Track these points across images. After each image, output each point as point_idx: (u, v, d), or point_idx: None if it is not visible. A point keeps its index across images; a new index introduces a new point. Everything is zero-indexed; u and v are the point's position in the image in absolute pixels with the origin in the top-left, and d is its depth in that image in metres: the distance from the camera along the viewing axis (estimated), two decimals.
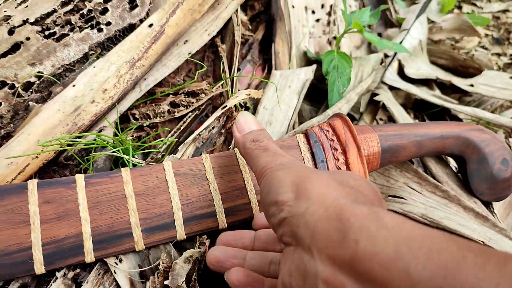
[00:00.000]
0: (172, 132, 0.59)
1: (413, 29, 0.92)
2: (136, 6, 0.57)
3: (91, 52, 0.56)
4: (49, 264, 0.42)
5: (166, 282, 0.46)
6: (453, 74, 1.04)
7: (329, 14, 0.90)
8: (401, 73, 0.84)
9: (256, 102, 0.68)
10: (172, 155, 0.56)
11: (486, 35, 1.23)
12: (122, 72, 0.53)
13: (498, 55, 1.18)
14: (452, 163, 0.71)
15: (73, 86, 0.52)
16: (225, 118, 0.62)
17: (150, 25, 0.55)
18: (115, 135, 0.56)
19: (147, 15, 0.58)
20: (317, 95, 0.74)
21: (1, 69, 0.53)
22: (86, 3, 0.56)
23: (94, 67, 0.54)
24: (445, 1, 0.98)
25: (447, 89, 0.97)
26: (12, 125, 0.52)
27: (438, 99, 0.78)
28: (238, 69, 0.73)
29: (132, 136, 0.58)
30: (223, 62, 0.65)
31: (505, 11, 1.29)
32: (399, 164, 0.64)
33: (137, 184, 0.47)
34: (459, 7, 1.29)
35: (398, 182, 0.62)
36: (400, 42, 0.87)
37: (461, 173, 0.64)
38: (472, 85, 0.87)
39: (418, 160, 0.70)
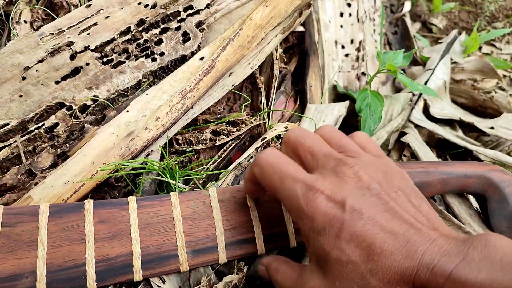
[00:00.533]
0: (213, 159, 0.62)
1: (438, 70, 0.95)
2: (189, 39, 0.61)
3: (144, 80, 0.59)
4: (101, 280, 0.45)
5: None
6: (472, 114, 1.08)
7: (358, 49, 0.93)
8: (425, 112, 0.87)
9: None
10: (214, 181, 0.59)
11: (504, 76, 1.27)
12: (175, 102, 0.56)
13: None
14: (474, 204, 0.73)
15: (127, 111, 0.56)
16: (262, 149, 0.65)
17: (201, 58, 0.59)
18: (161, 159, 0.59)
19: (199, 48, 0.61)
20: (347, 130, 0.77)
21: (60, 91, 0.56)
22: (143, 33, 0.59)
23: (147, 94, 0.57)
24: (469, 43, 1.02)
25: (465, 127, 1.00)
26: (67, 145, 0.55)
27: (462, 140, 0.81)
28: (274, 100, 0.77)
29: (176, 161, 0.61)
30: (261, 97, 0.69)
31: None
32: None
33: (184, 208, 0.50)
34: (479, 48, 1.33)
35: None
36: (426, 82, 0.90)
37: (482, 211, 0.67)
38: (492, 128, 0.90)
39: (440, 199, 0.73)
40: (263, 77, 0.74)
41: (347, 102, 0.75)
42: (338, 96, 0.84)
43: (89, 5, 0.59)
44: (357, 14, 0.98)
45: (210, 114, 0.68)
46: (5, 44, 0.64)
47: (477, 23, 1.36)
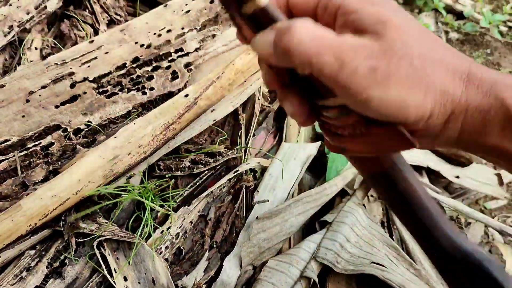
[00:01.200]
0: (189, 185, 0.69)
1: None
2: (177, 77, 0.69)
3: (134, 110, 0.67)
4: None
5: None
6: (447, 161, 1.14)
7: None
8: None
9: (264, 168, 0.78)
10: (186, 206, 0.66)
11: None
12: (157, 132, 0.63)
13: None
14: None
15: (115, 137, 0.63)
16: (235, 180, 0.72)
17: (186, 95, 0.66)
18: (141, 182, 0.66)
19: (185, 86, 0.69)
20: (318, 167, 0.84)
21: (59, 115, 0.64)
22: (136, 69, 0.67)
23: (134, 123, 0.64)
24: None
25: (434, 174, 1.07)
26: (59, 162, 0.63)
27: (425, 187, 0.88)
28: (254, 135, 0.84)
29: (156, 184, 0.69)
30: (240, 132, 0.76)
31: None
32: (382, 237, 0.73)
33: None
34: None
35: (381, 252, 0.71)
36: None
37: None
38: (458, 177, 0.97)
39: (398, 238, 0.80)
40: (245, 114, 0.82)
41: (319, 143, 0.82)
42: (316, 135, 0.91)
43: (92, 41, 0.67)
44: None
45: (192, 144, 0.75)
46: (15, 67, 0.72)
47: None
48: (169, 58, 0.69)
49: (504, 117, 0.28)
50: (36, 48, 0.77)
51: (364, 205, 0.82)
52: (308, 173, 0.84)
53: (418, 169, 0.97)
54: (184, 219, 0.65)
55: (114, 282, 0.57)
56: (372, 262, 0.68)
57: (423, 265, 0.74)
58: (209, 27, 0.72)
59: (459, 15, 1.68)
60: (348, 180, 0.79)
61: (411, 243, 0.75)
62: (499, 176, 1.06)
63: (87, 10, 0.83)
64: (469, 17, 1.64)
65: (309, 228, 0.77)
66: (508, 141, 0.29)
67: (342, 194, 0.81)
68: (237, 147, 0.75)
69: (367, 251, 0.70)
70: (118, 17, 0.83)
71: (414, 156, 0.97)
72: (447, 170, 0.98)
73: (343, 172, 0.79)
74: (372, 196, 0.85)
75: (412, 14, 1.46)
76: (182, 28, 0.70)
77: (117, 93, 0.66)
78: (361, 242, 0.71)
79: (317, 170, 0.85)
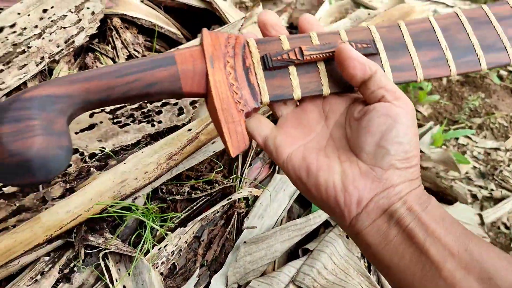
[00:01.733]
0: (187, 208, 0.78)
1: None
2: (183, 113, 0.78)
3: (143, 140, 0.77)
4: None
5: None
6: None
7: None
8: None
9: (256, 197, 0.87)
10: (182, 227, 0.75)
11: (475, 167, 1.41)
12: (161, 161, 0.73)
13: (480, 187, 1.35)
14: None
15: (124, 163, 0.72)
16: (228, 206, 0.81)
17: (189, 130, 0.76)
18: (145, 203, 0.75)
19: (190, 120, 0.78)
20: (306, 199, 0.92)
21: (77, 140, 0.74)
22: (148, 104, 0.77)
23: (142, 151, 0.74)
24: (436, 137, 1.17)
25: None
26: (75, 182, 0.72)
27: None
28: (250, 164, 0.93)
29: (157, 205, 0.78)
30: (237, 163, 0.85)
31: (496, 149, 1.47)
32: (357, 267, 0.81)
33: None
34: (456, 138, 1.47)
35: (354, 280, 0.78)
36: None
37: None
38: None
39: (375, 270, 0.87)
40: None
41: None
42: None
43: None
44: None
45: (193, 171, 0.84)
46: None
47: (458, 117, 1.52)
48: None
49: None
50: None
51: (348, 237, 0.89)
52: (298, 203, 0.92)
53: None
54: (180, 238, 0.74)
55: None
56: None
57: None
58: None
59: None
60: None
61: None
62: (480, 216, 1.13)
63: (110, 45, 0.94)
64: None
65: (293, 254, 0.85)
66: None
67: (326, 225, 0.89)
68: (233, 176, 0.84)
69: (341, 278, 0.77)
70: (136, 53, 0.93)
71: None
72: None
73: None
74: None
75: None
76: None
77: (129, 124, 0.76)
78: (337, 270, 0.79)
79: (306, 201, 0.93)
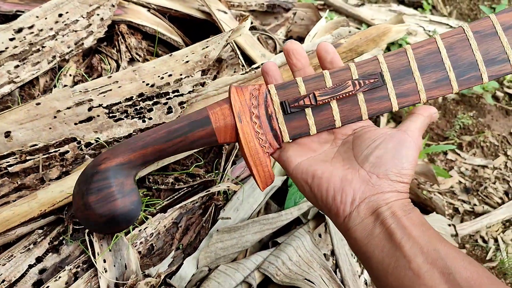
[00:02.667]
0: (169, 197, 0.87)
1: None
2: (171, 111, 0.88)
3: (134, 133, 0.86)
4: None
5: None
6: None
7: None
8: None
9: (235, 192, 0.95)
10: (162, 213, 0.84)
11: (460, 182, 1.46)
12: None
13: (463, 201, 1.41)
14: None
15: None
16: (207, 198, 0.89)
17: None
18: None
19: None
20: (283, 198, 1.00)
21: (76, 130, 0.84)
22: (140, 102, 0.87)
23: None
24: None
25: None
26: (71, 166, 0.82)
27: None
28: (235, 163, 1.01)
29: (143, 193, 0.87)
30: (220, 160, 0.94)
31: (484, 166, 1.52)
32: (320, 260, 0.88)
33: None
34: (445, 154, 1.53)
35: (316, 272, 0.86)
36: None
37: None
38: None
39: (335, 264, 0.94)
40: (229, 146, 0.99)
41: (285, 177, 0.98)
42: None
43: (110, 77, 0.87)
44: None
45: (179, 164, 0.93)
46: (52, 89, 0.93)
47: (449, 133, 1.58)
48: (167, 96, 0.88)
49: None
50: (70, 75, 0.98)
51: (320, 234, 0.97)
52: (275, 202, 1.01)
53: None
54: (159, 223, 0.83)
55: (95, 261, 0.75)
56: (305, 279, 0.83)
57: None
58: (203, 75, 0.91)
59: None
60: (303, 211, 0.94)
61: (344, 269, 0.90)
62: (454, 226, 1.18)
63: (115, 48, 1.04)
64: None
65: (266, 246, 0.93)
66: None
67: (298, 223, 0.97)
68: (213, 173, 0.93)
69: (304, 270, 0.85)
70: (138, 57, 1.04)
71: None
72: None
73: (300, 203, 0.95)
74: (327, 229, 1.00)
75: None
76: (181, 74, 0.89)
77: (123, 119, 0.86)
78: (301, 262, 0.87)
79: (283, 200, 1.01)
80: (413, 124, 0.50)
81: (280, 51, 1.24)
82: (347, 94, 0.51)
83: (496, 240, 1.31)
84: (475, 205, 1.39)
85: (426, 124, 0.52)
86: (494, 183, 1.47)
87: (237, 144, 1.00)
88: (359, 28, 1.67)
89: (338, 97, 0.51)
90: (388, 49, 1.70)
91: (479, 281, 0.40)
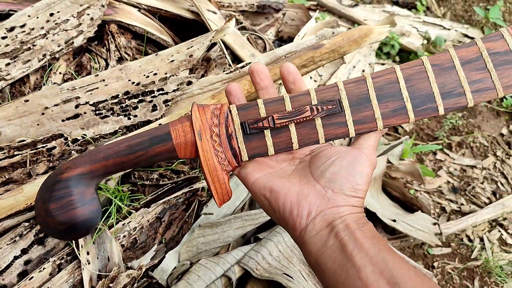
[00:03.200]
0: (153, 193, 0.90)
1: None
2: (156, 109, 0.90)
3: (119, 130, 0.89)
4: None
5: (110, 285, 0.75)
6: (402, 207, 1.30)
7: None
8: None
9: None
10: (146, 208, 0.86)
11: (448, 182, 1.48)
12: None
13: (451, 200, 1.42)
14: None
15: None
16: (191, 194, 0.92)
17: (159, 124, 0.87)
18: (117, 185, 0.87)
19: (161, 117, 0.90)
20: None
21: (63, 127, 0.86)
22: (126, 100, 0.89)
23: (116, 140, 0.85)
24: (404, 150, 1.26)
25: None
26: (57, 162, 0.85)
27: None
28: None
29: (128, 188, 0.89)
30: None
31: (473, 167, 1.54)
32: (300, 255, 0.90)
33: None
34: (434, 154, 1.55)
35: (295, 267, 0.88)
36: None
37: None
38: (394, 220, 1.13)
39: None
40: None
41: None
42: None
43: (97, 75, 0.90)
44: None
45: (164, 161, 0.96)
46: (41, 87, 0.96)
47: (438, 133, 1.60)
48: (152, 95, 0.90)
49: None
50: (60, 73, 1.01)
51: None
52: None
53: None
54: (143, 217, 0.85)
55: (79, 254, 0.78)
56: (284, 274, 0.85)
57: None
58: (187, 74, 0.93)
59: None
60: None
61: None
62: (438, 225, 1.20)
63: (105, 48, 1.07)
64: None
65: (247, 241, 0.95)
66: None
67: None
68: (199, 168, 0.95)
69: (283, 265, 0.87)
70: (126, 55, 1.06)
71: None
72: (382, 215, 1.14)
73: None
74: None
75: None
76: (166, 73, 0.91)
77: (109, 116, 0.88)
78: (281, 257, 0.89)
79: None
80: (367, 141, 0.53)
81: (270, 49, 1.26)
82: (305, 119, 0.53)
83: (481, 239, 1.33)
84: (462, 204, 1.41)
85: (379, 140, 0.55)
86: (482, 183, 1.49)
87: None
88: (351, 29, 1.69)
89: (296, 121, 0.53)
90: (380, 49, 1.72)
91: None
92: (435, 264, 1.23)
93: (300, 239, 0.49)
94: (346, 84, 0.54)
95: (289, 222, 0.49)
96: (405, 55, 1.78)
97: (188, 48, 0.94)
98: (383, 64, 1.68)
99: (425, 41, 1.74)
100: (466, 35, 1.98)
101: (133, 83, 0.90)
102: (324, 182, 0.49)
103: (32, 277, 0.75)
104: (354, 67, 1.53)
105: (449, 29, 1.95)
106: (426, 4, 2.10)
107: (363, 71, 1.55)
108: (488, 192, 1.47)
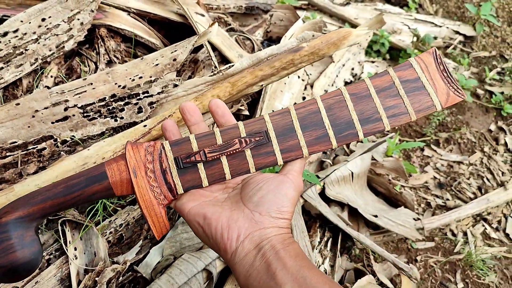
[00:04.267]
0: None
1: (351, 163, 1.23)
2: (142, 111, 0.94)
3: (106, 132, 0.93)
4: None
5: (96, 279, 0.80)
6: (387, 203, 1.33)
7: None
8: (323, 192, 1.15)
9: None
10: (132, 206, 0.91)
11: (435, 178, 1.52)
12: (117, 150, 0.89)
13: (436, 196, 1.46)
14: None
15: (88, 149, 0.89)
16: None
17: (145, 126, 0.91)
18: None
19: (147, 118, 0.94)
20: None
21: (53, 129, 0.91)
22: (113, 103, 0.94)
23: (103, 141, 0.90)
24: (388, 147, 1.29)
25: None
26: (47, 162, 0.89)
27: (338, 219, 1.09)
28: None
29: None
30: None
31: (459, 162, 1.57)
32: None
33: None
34: (422, 149, 1.58)
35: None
36: (334, 170, 1.18)
37: None
38: (376, 216, 1.16)
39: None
40: None
41: None
42: None
43: (85, 79, 0.94)
44: None
45: None
46: (32, 90, 1.00)
47: (426, 130, 1.63)
48: (138, 97, 0.95)
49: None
50: (51, 77, 1.05)
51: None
52: None
53: (341, 204, 1.18)
54: (129, 214, 0.90)
55: (67, 249, 0.82)
56: None
57: None
58: (173, 77, 0.97)
59: None
60: None
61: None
62: (419, 220, 1.24)
63: (95, 51, 1.11)
64: None
65: None
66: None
67: None
68: None
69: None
70: (115, 59, 1.10)
71: (341, 194, 1.18)
72: (364, 210, 1.18)
73: None
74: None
75: None
76: (151, 77, 0.95)
77: (97, 118, 0.93)
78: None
79: None
80: (292, 167, 0.57)
81: (258, 50, 1.30)
82: (235, 151, 0.56)
83: (465, 233, 1.36)
84: (447, 199, 1.45)
85: (304, 165, 0.59)
86: (468, 178, 1.52)
87: None
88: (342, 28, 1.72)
89: (227, 153, 0.56)
90: (370, 47, 1.75)
91: None
92: (418, 257, 1.27)
93: (231, 261, 0.52)
94: (272, 116, 0.58)
95: (220, 246, 0.52)
96: (395, 53, 1.81)
97: (172, 52, 0.98)
98: (373, 62, 1.71)
99: (415, 39, 1.77)
100: (457, 32, 2.00)
101: (119, 86, 0.94)
102: (252, 206, 0.53)
103: None
104: (343, 65, 1.57)
105: (440, 26, 1.98)
106: (418, 2, 2.12)
107: (353, 69, 1.59)
108: (473, 188, 1.50)
